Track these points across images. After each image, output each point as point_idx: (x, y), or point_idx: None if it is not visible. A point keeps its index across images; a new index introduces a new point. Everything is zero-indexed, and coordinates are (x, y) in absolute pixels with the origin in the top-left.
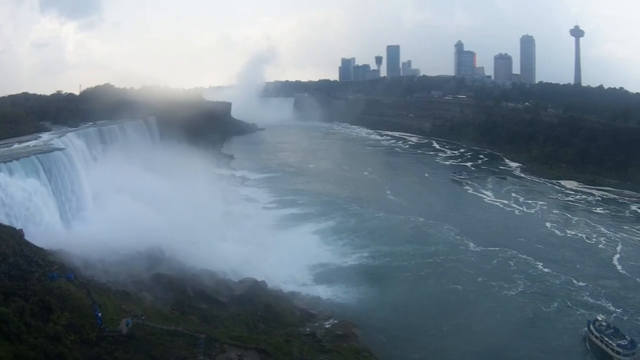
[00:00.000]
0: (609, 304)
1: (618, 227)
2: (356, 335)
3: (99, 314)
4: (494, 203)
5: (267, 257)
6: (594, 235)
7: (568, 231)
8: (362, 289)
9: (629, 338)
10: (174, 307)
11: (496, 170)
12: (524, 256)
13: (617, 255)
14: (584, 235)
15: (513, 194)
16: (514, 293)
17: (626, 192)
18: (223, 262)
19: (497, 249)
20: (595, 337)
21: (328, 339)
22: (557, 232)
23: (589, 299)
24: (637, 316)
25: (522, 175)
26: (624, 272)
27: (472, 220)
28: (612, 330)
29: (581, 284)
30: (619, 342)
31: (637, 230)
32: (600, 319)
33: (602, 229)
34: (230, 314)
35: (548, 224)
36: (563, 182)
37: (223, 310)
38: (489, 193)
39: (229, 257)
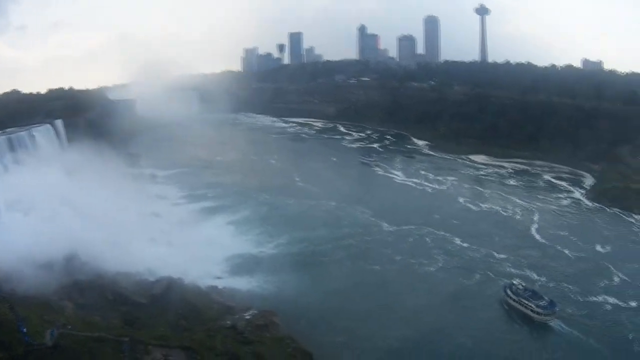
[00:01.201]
0: (532, 273)
1: (532, 197)
2: (277, 324)
3: (24, 329)
4: (404, 182)
5: (182, 253)
6: (509, 207)
7: (482, 205)
8: (280, 277)
9: (547, 299)
10: (95, 313)
11: (404, 149)
12: (440, 232)
13: (535, 225)
14: (499, 208)
15: (423, 172)
16: (434, 269)
17: (537, 162)
18: (139, 262)
19: (412, 227)
20: (514, 300)
21: (250, 330)
22: (471, 206)
23: (512, 269)
24: (560, 282)
25: (431, 152)
26: (543, 241)
27: (384, 201)
28: (530, 292)
29: (502, 256)
30: (538, 303)
31: (552, 199)
32: (516, 282)
33: (517, 200)
34: (151, 314)
35: (461, 199)
36: (473, 157)
37: (144, 311)
38: (398, 173)
39: (144, 257)
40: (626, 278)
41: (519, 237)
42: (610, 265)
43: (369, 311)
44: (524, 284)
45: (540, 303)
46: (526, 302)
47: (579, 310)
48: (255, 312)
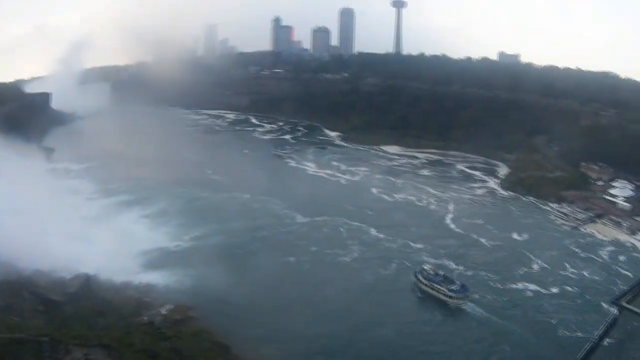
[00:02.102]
0: (450, 262)
1: (447, 187)
2: (194, 318)
3: None
4: (317, 174)
5: (97, 249)
6: (424, 197)
7: (397, 195)
8: (197, 271)
9: (459, 283)
10: (13, 314)
11: (316, 141)
12: (355, 223)
13: (450, 215)
14: (413, 198)
15: (335, 163)
16: (349, 259)
17: (451, 152)
18: (54, 259)
19: (326, 218)
20: (425, 285)
21: (167, 325)
22: (385, 197)
23: (429, 258)
24: (478, 270)
25: (343, 143)
26: (458, 230)
27: (297, 192)
28: (442, 277)
29: (418, 245)
30: (450, 287)
31: (466, 188)
32: (427, 267)
33: (431, 190)
34: (68, 312)
35: (375, 190)
36: (385, 148)
37: (61, 309)
38: (311, 164)
39: (59, 254)
40: (545, 265)
41: (434, 227)
42: (528, 253)
43: (287, 303)
44: (434, 269)
45: (452, 287)
46: (438, 286)
47: (500, 297)
48: (172, 307)
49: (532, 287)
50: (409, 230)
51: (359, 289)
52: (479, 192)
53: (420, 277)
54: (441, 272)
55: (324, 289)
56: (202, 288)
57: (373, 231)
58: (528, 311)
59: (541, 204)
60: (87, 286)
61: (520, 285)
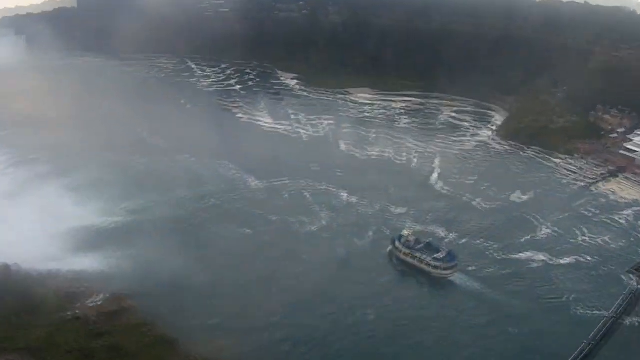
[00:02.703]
0: (439, 229)
1: (430, 139)
2: (134, 309)
3: None
4: (273, 129)
5: (14, 232)
6: (404, 153)
7: (370, 151)
8: (134, 252)
9: (445, 250)
10: None
11: (270, 89)
12: (322, 185)
13: (436, 173)
14: (391, 154)
15: (294, 115)
16: (316, 229)
17: (434, 97)
18: None
19: (286, 181)
20: (405, 254)
21: (102, 319)
22: (357, 154)
23: (413, 225)
24: (474, 238)
25: (303, 90)
26: (446, 191)
27: (250, 152)
28: (423, 244)
29: (399, 210)
30: (434, 255)
31: (454, 141)
32: (406, 233)
33: (412, 143)
34: None
35: (344, 146)
36: (354, 93)
37: None
38: (265, 118)
39: None
40: (553, 231)
41: (418, 188)
42: (532, 217)
43: (245, 285)
44: (415, 235)
45: (437, 255)
46: (420, 255)
47: (500, 269)
48: (107, 296)
49: (539, 256)
50: (387, 193)
51: (329, 264)
52: (470, 144)
53: (399, 245)
54: (423, 239)
55: (289, 266)
56: (144, 272)
57: (344, 194)
58: (535, 285)
59: (545, 158)
60: (5, 278)
61: (523, 255)
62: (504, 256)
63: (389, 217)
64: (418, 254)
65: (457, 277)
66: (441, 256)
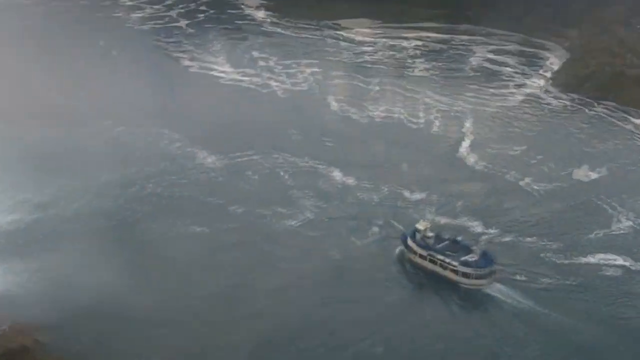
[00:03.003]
0: (475, 222)
1: (457, 92)
2: (41, 346)
3: None
4: (234, 81)
5: None
6: (420, 112)
7: (372, 111)
8: (42, 263)
9: (478, 249)
10: None
11: (229, 23)
12: (304, 161)
13: (466, 142)
14: (402, 115)
15: (262, 61)
16: (298, 224)
17: (462, 31)
18: None
19: (254, 155)
20: (421, 257)
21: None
22: (353, 114)
23: (437, 217)
24: (524, 234)
25: (274, 23)
26: (480, 167)
27: (203, 116)
28: (447, 242)
29: (416, 196)
30: (463, 258)
31: (490, 95)
32: (422, 228)
33: (431, 99)
34: None
35: (335, 103)
36: (348, 27)
37: None
38: (222, 66)
39: None
40: (635, 223)
41: (442, 163)
42: (604, 204)
43: (200, 308)
44: (435, 230)
45: (468, 258)
46: (442, 258)
47: (563, 279)
48: (5, 328)
49: (616, 260)
50: (397, 171)
51: (317, 275)
52: (515, 99)
53: (412, 245)
54: (446, 235)
55: (260, 280)
56: (57, 292)
57: (337, 174)
58: (611, 301)
59: (622, 118)
60: None
61: (594, 258)
62: (565, 260)
63: (402, 205)
64: (440, 257)
65: (496, 290)
66: (473, 259)
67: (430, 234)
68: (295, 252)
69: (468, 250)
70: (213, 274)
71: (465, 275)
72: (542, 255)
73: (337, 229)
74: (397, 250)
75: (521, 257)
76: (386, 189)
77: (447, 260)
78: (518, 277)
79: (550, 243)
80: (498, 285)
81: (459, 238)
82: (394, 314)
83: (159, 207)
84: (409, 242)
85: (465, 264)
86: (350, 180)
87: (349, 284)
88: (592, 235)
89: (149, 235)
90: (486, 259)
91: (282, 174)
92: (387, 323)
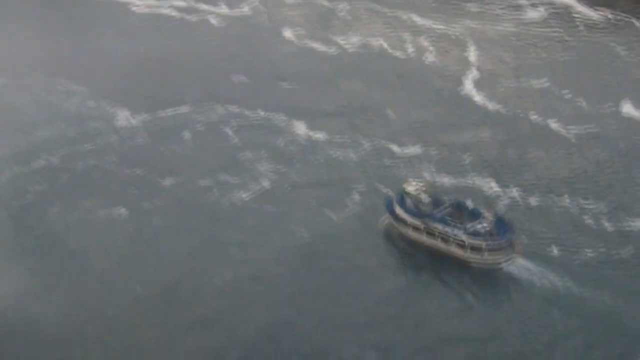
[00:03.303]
0: (486, 179)
1: (453, 10)
2: None
3: None
4: (152, 9)
5: None
6: (408, 40)
7: (343, 40)
8: None
9: (490, 216)
10: None
11: None
12: (256, 113)
13: (471, 75)
14: (383, 44)
15: None
16: (250, 195)
17: None
18: None
19: (186, 109)
20: (415, 228)
21: None
22: (316, 46)
23: (439, 177)
24: (549, 191)
25: None
26: (492, 107)
27: (115, 60)
28: (449, 206)
29: (409, 150)
30: (471, 226)
31: (500, 10)
32: (413, 189)
33: (420, 20)
34: None
35: (289, 33)
36: None
37: None
38: None
39: None
40: None
41: (441, 104)
42: None
43: (124, 315)
44: (428, 190)
45: (477, 226)
46: (443, 227)
47: (613, 251)
48: None
49: None
50: (382, 117)
51: (280, 261)
52: (534, 14)
53: (402, 213)
54: (446, 198)
55: (205, 271)
56: None
57: (300, 126)
58: None
59: None
60: None
61: None
62: (613, 225)
63: (390, 164)
64: (440, 227)
65: (521, 267)
66: (484, 226)
67: (425, 198)
68: (249, 235)
69: (477, 216)
70: (140, 271)
71: (475, 249)
72: (581, 219)
73: (304, 201)
74: (383, 222)
75: (554, 223)
76: (367, 144)
77: (450, 230)
78: (550, 250)
79: (592, 203)
80: (522, 261)
81: (462, 201)
82: (384, 309)
83: (64, 184)
84: (397, 210)
85: (475, 234)
86: (319, 135)
87: (323, 273)
88: None
89: (54, 225)
90: (503, 226)
91: (226, 131)
92: (377, 323)
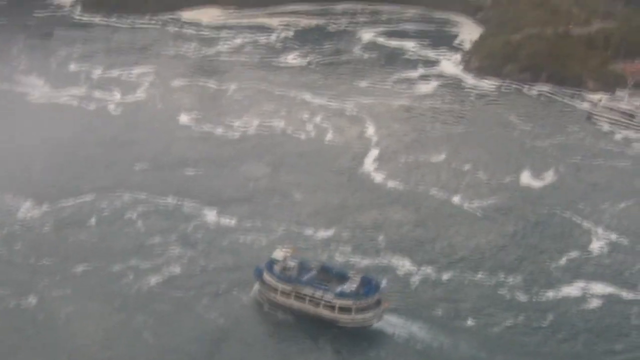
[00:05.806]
0: (399, 258)
1: (347, 87)
2: None
3: None
4: (48, 99)
5: None
6: (305, 119)
7: (238, 123)
8: None
9: (356, 277)
10: None
11: (30, 18)
12: (162, 199)
13: (371, 153)
14: (280, 125)
15: (82, 66)
16: (159, 280)
17: (339, 13)
18: None
19: (89, 197)
20: (284, 293)
21: None
22: (214, 131)
23: (358, 258)
24: (459, 265)
25: (90, 17)
26: (394, 185)
27: (10, 151)
28: (315, 270)
29: (322, 233)
30: (339, 289)
31: (392, 84)
32: (280, 256)
33: (315, 99)
34: None
35: (186, 117)
36: (191, 16)
37: None
38: (29, 77)
39: None
40: (613, 239)
41: (346, 185)
42: (568, 215)
43: None
44: (298, 257)
45: (345, 288)
46: (311, 291)
47: (529, 320)
48: None
49: (597, 288)
50: (289, 201)
51: (189, 350)
52: (425, 88)
53: (270, 279)
54: (312, 262)
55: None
56: None
57: (207, 212)
58: (596, 341)
59: (569, 97)
60: None
61: (564, 290)
62: (527, 297)
63: (306, 246)
64: (309, 290)
65: (391, 323)
66: (351, 287)
67: (292, 263)
68: (156, 321)
69: (344, 278)
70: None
71: (344, 309)
72: (496, 294)
73: (213, 284)
74: (254, 290)
75: (469, 297)
76: (280, 228)
77: (318, 293)
78: (467, 324)
79: (505, 276)
80: (391, 318)
81: (327, 264)
82: None
83: None
84: (266, 276)
85: (342, 295)
86: (228, 220)
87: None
88: (559, 262)
89: None
90: (369, 285)
91: (133, 218)
92: None
